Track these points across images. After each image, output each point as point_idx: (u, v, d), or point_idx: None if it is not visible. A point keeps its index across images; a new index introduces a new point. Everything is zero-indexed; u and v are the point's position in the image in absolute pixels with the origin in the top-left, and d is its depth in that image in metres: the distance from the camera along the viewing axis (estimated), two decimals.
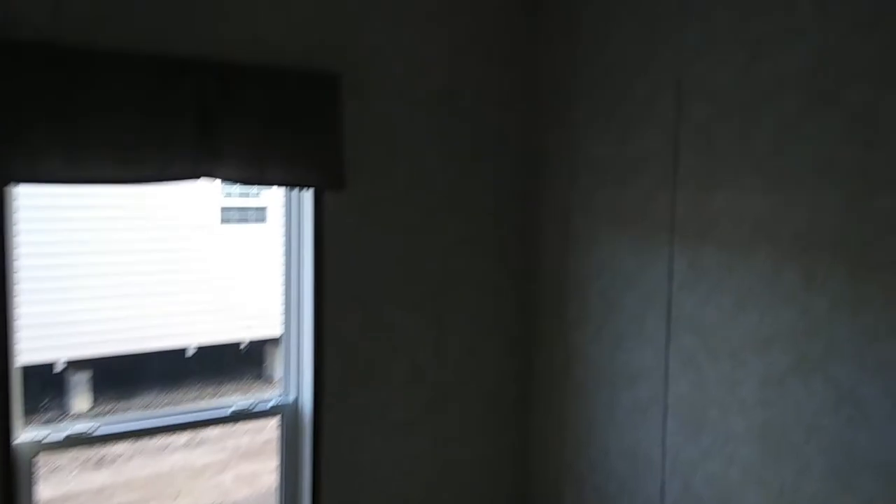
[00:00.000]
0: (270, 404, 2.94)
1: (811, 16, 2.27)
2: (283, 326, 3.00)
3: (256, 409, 2.90)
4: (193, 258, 8.66)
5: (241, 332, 9.04)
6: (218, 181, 2.54)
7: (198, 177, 2.47)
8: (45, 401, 8.20)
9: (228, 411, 2.85)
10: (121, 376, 8.71)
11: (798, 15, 2.31)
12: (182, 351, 8.84)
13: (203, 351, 8.98)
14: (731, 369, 2.54)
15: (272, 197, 8.86)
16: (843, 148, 2.20)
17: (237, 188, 8.60)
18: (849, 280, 2.20)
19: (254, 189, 8.40)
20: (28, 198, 7.44)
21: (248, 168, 2.56)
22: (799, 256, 2.33)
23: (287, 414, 2.97)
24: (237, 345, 9.22)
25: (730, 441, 2.55)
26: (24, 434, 2.46)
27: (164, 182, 2.41)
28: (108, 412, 8.12)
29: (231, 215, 9.04)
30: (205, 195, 8.68)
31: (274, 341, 9.00)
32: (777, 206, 2.38)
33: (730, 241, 2.53)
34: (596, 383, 3.08)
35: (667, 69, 2.74)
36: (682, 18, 2.68)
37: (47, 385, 8.18)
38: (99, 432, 2.59)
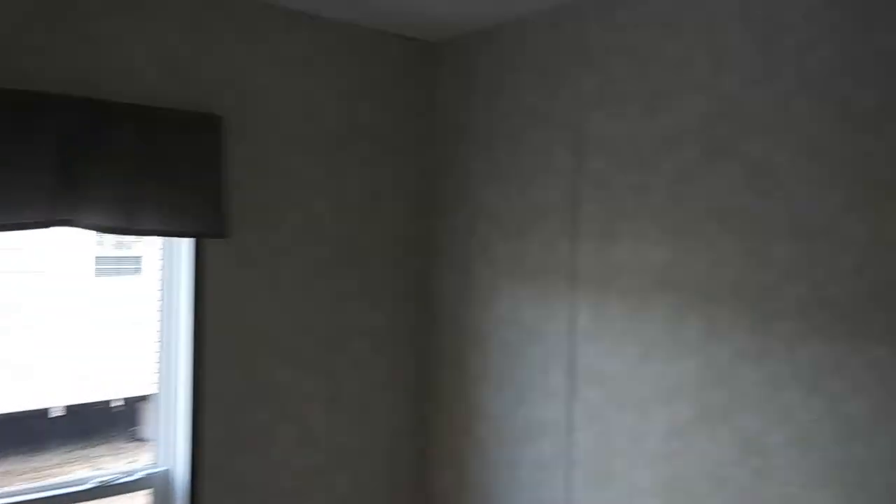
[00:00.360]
0: (139, 475, 2.63)
1: (707, 69, 2.30)
2: (158, 389, 2.71)
3: (122, 482, 2.59)
4: (61, 311, 7.99)
5: (113, 390, 8.38)
6: (81, 230, 2.27)
7: (56, 225, 2.20)
8: None
9: (88, 485, 2.52)
10: None
11: (694, 67, 2.33)
12: (45, 412, 8.08)
13: (71, 411, 8.25)
14: (636, 421, 2.48)
15: (149, 246, 8.36)
16: (740, 198, 2.21)
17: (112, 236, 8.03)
18: (750, 329, 2.19)
19: (126, 238, 7.89)
20: None
21: (117, 216, 2.30)
22: (700, 306, 2.31)
23: (159, 486, 2.66)
24: (108, 403, 8.53)
25: (636, 495, 2.48)
26: None
27: (16, 230, 2.13)
28: None
29: (106, 265, 8.44)
30: (76, 243, 8.07)
31: (150, 399, 8.38)
32: (677, 256, 2.37)
33: (632, 292, 2.49)
34: (498, 440, 2.96)
35: (564, 119, 2.72)
36: (579, 68, 2.67)
37: None
38: None
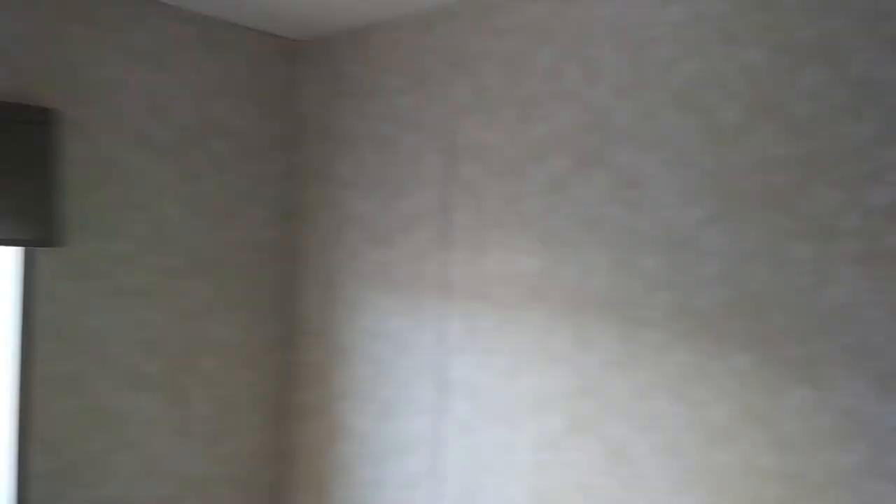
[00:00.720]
0: None
1: (578, 78, 2.31)
2: None
3: None
4: None
5: None
6: None
7: None
8: None
9: None
10: None
11: (566, 77, 2.34)
12: None
13: None
14: (506, 434, 2.44)
15: None
16: (609, 208, 2.23)
17: None
18: (618, 338, 2.21)
19: None
20: None
21: None
22: (571, 316, 2.31)
23: None
24: None
25: None
26: None
27: None
28: None
29: None
30: None
31: None
32: (548, 266, 2.36)
33: (504, 303, 2.46)
34: (362, 458, 2.83)
35: (436, 124, 2.66)
36: (451, 75, 2.62)
37: None
38: None
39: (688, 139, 2.09)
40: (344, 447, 2.91)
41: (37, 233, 2.27)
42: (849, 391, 1.82)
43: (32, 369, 2.34)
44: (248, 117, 2.96)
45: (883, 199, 1.77)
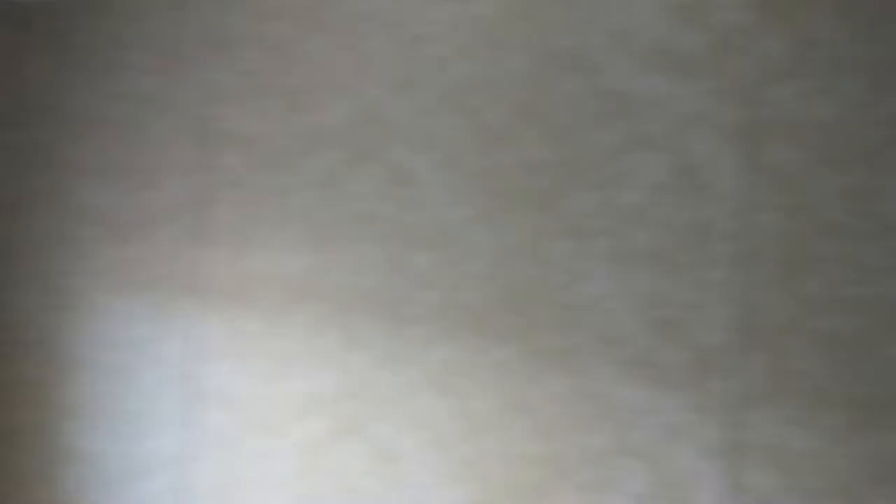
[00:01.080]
0: None
1: (351, 70, 2.27)
2: None
3: None
4: None
5: None
6: None
7: None
8: None
9: None
10: None
11: (339, 68, 2.29)
12: None
13: None
14: (267, 442, 2.32)
15: None
16: (382, 205, 2.22)
17: None
18: (386, 337, 2.21)
19: None
20: None
21: None
22: (339, 316, 2.25)
23: None
24: None
25: None
26: None
27: None
28: None
29: None
30: None
31: None
32: (317, 265, 2.28)
33: (267, 304, 2.33)
34: (94, 483, 2.53)
35: (191, 109, 2.46)
36: (211, 56, 2.44)
37: None
38: None
39: (458, 139, 2.15)
40: (72, 472, 2.55)
41: None
42: (599, 378, 1.99)
43: None
44: None
45: (630, 201, 1.97)
